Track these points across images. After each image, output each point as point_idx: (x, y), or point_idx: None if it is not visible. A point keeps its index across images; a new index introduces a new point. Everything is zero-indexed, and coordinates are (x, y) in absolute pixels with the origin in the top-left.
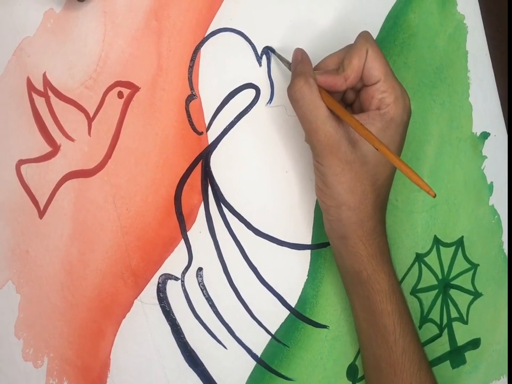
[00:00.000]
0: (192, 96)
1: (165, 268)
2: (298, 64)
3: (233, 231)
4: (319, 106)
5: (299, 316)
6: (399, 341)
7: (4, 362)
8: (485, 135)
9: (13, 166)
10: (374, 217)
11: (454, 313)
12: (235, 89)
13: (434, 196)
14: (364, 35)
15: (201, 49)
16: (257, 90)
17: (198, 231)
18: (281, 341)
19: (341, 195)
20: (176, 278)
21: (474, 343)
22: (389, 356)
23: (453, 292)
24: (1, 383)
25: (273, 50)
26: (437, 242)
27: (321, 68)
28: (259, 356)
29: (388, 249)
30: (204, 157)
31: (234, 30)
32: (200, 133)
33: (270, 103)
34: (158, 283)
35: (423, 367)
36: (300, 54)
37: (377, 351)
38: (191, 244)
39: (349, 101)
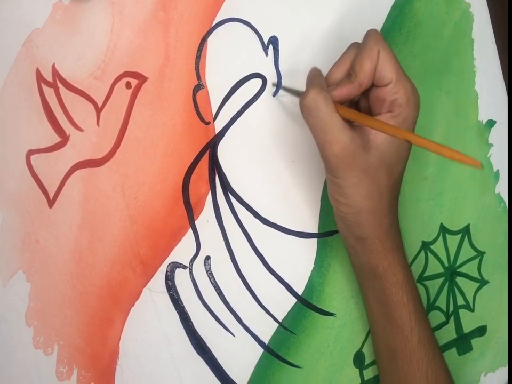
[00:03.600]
0: (199, 86)
1: (173, 257)
2: (312, 78)
3: (241, 220)
4: (334, 117)
5: (306, 304)
6: (415, 330)
7: (15, 350)
8: (491, 123)
9: (22, 156)
10: (389, 215)
11: (460, 301)
12: (242, 79)
13: (482, 167)
14: (374, 35)
15: (208, 39)
16: (264, 80)
17: (205, 220)
18: (288, 328)
19: (359, 202)
20: (184, 267)
21: (481, 330)
22: (405, 345)
23: (459, 280)
24: (13, 370)
25: (280, 85)
26: (443, 230)
27: (330, 80)
28: (266, 343)
29: (401, 242)
30: (211, 146)
31: (241, 20)
32: (207, 123)
33: (277, 92)
34: (167, 271)
35: (437, 355)
36: (314, 70)
37: (392, 342)
38: (198, 233)
39: (354, 100)
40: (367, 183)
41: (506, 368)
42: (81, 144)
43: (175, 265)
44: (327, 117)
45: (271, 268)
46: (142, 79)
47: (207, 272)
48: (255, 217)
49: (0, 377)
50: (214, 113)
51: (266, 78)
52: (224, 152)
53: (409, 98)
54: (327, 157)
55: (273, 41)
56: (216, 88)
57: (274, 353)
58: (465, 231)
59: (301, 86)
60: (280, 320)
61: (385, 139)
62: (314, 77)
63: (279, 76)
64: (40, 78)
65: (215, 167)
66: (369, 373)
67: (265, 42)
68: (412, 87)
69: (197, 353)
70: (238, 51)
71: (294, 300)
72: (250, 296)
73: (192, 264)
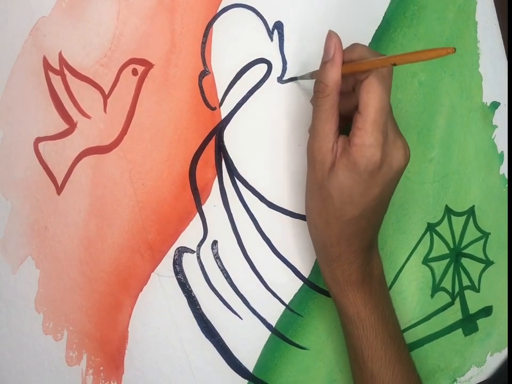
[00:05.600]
0: (205, 72)
1: (181, 241)
2: (328, 68)
3: (247, 204)
4: (331, 121)
5: (312, 286)
6: (368, 364)
7: (25, 335)
8: (495, 105)
9: (31, 143)
10: (337, 247)
11: (465, 282)
12: (247, 65)
13: (454, 50)
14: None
15: (214, 25)
16: (269, 65)
17: (212, 204)
18: (295, 311)
19: (310, 210)
20: (191, 251)
21: (486, 311)
22: (360, 376)
23: (464, 261)
24: (23, 356)
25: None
26: (448, 211)
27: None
28: (274, 325)
29: (357, 278)
30: (218, 131)
31: (246, 5)
32: (214, 108)
33: (283, 77)
34: (174, 256)
35: (403, 353)
36: (333, 50)
37: (352, 366)
38: (206, 218)
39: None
40: (319, 200)
41: None
42: (88, 131)
43: (182, 250)
44: (328, 117)
45: (277, 251)
46: (148, 65)
47: (214, 256)
48: (262, 201)
49: (11, 362)
50: (220, 98)
51: (272, 63)
52: (230, 137)
53: (365, 146)
54: (309, 147)
55: (278, 26)
56: (221, 73)
57: (282, 336)
58: (470, 212)
59: (307, 71)
60: (287, 303)
61: (351, 176)
62: (330, 67)
63: (284, 61)
64: (47, 66)
65: (221, 152)
66: None
67: (270, 27)
68: (376, 140)
69: (205, 336)
70: (243, 36)
71: (300, 283)
72: (257, 279)
73: (199, 248)
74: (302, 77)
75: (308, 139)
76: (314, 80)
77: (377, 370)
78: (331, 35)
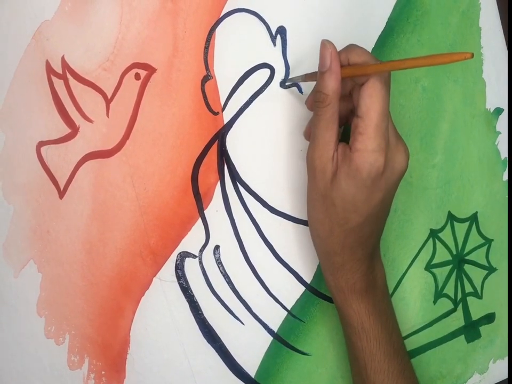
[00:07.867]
0: (207, 77)
1: (183, 246)
2: (326, 78)
3: (249, 209)
4: (332, 129)
5: (314, 292)
6: (371, 377)
7: (27, 339)
8: (499, 111)
9: (33, 147)
10: (341, 255)
11: (468, 288)
12: (250, 69)
13: (472, 56)
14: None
15: (217, 30)
16: (272, 70)
17: (214, 209)
18: (297, 316)
19: (312, 219)
20: (194, 256)
21: (489, 318)
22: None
23: (467, 267)
24: (25, 359)
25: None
26: (451, 218)
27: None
28: (276, 331)
29: (361, 287)
30: (220, 136)
31: (249, 10)
32: (216, 113)
33: (285, 82)
34: (176, 261)
35: (407, 366)
36: (329, 59)
37: (355, 378)
38: (208, 222)
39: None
40: (322, 208)
41: None
42: (91, 135)
43: (184, 255)
44: (326, 127)
45: (279, 256)
46: (150, 70)
47: (216, 261)
48: (264, 206)
49: (13, 366)
50: (222, 103)
51: (274, 68)
52: (232, 142)
53: (369, 151)
54: (309, 160)
55: (281, 31)
56: (224, 78)
57: (284, 341)
58: (473, 218)
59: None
60: (289, 309)
61: (356, 183)
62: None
63: (287, 66)
64: (49, 69)
65: (223, 157)
66: None
67: (273, 32)
68: (379, 144)
69: (206, 341)
70: (246, 41)
71: (302, 288)
72: (259, 284)
73: (201, 253)
74: (293, 79)
75: (307, 144)
76: (307, 81)
77: (380, 383)
78: (325, 44)
